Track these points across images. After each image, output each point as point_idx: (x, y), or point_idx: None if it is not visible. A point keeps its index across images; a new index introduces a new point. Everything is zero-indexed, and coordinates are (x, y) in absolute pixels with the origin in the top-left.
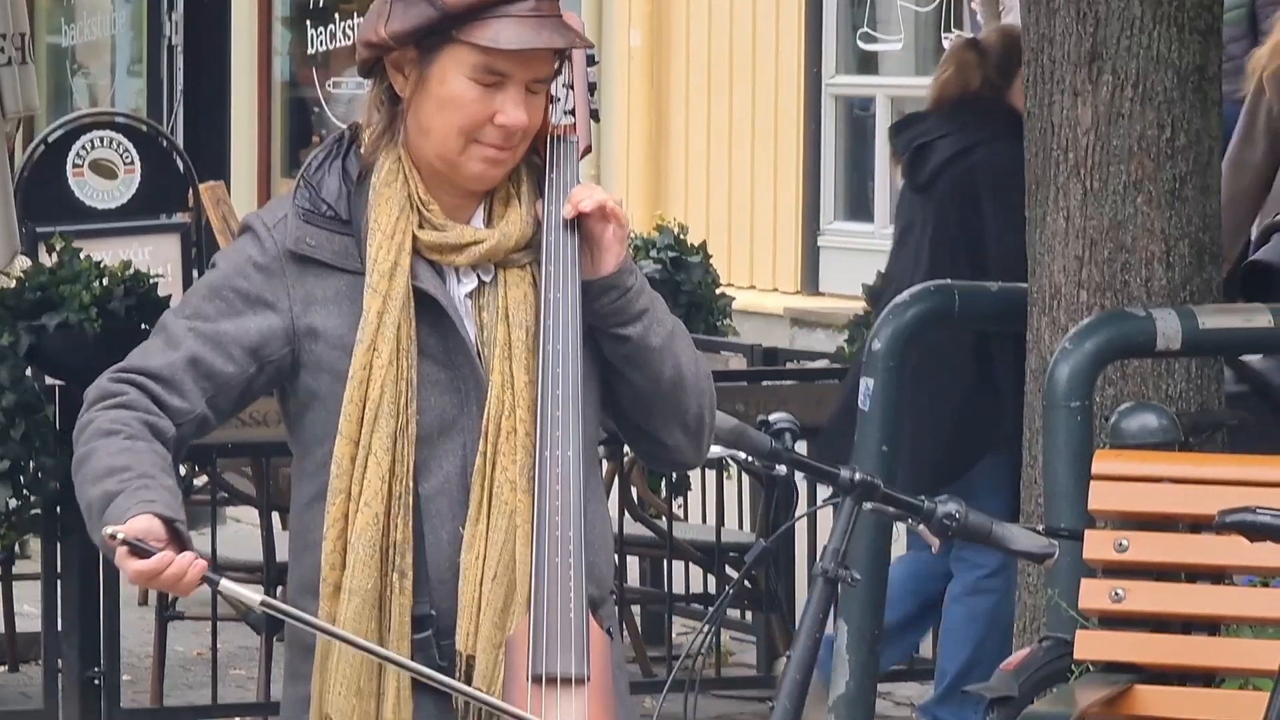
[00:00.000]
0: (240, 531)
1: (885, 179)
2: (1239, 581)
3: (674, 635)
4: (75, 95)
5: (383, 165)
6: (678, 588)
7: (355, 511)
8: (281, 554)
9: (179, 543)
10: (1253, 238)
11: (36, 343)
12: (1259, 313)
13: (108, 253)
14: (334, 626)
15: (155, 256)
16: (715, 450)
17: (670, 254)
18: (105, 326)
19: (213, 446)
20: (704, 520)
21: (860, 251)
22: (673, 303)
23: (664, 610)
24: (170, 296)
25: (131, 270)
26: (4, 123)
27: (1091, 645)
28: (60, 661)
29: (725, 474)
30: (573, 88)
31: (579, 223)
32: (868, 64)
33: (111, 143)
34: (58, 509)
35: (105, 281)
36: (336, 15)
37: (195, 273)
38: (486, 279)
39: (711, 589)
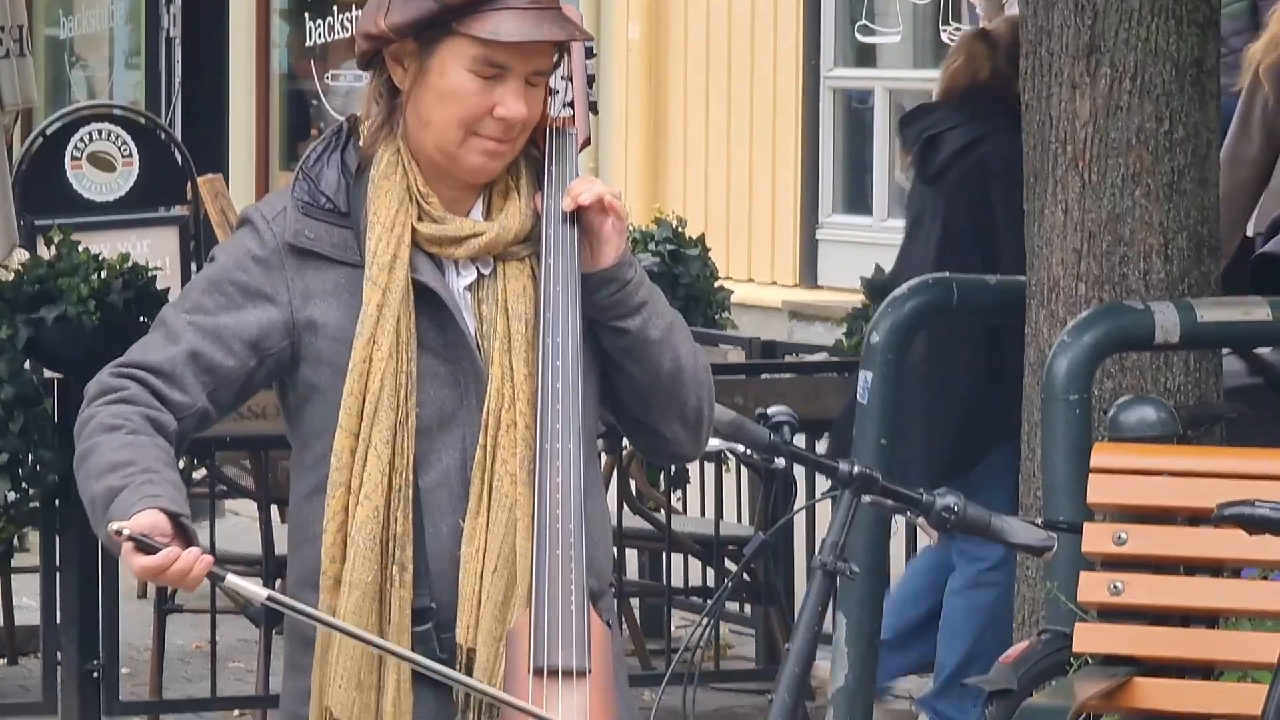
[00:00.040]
0: (239, 525)
1: (884, 172)
2: (1238, 574)
3: (673, 628)
4: (73, 88)
5: (381, 158)
6: (676, 580)
7: (355, 505)
8: (280, 547)
9: (184, 537)
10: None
11: (35, 335)
12: (1258, 305)
13: (106, 245)
14: (343, 622)
15: (154, 249)
16: (714, 443)
17: (668, 247)
18: (103, 319)
19: (211, 440)
20: (703, 513)
21: (859, 244)
22: (671, 296)
23: (663, 603)
24: (168, 289)
25: (130, 263)
26: (2, 115)
27: (1090, 638)
28: (59, 654)
29: (724, 467)
30: (571, 80)
31: (578, 215)
32: (866, 57)
33: (110, 135)
34: (56, 502)
35: (103, 274)
36: (334, 8)
37: (194, 265)
38: (486, 272)
39: (710, 582)
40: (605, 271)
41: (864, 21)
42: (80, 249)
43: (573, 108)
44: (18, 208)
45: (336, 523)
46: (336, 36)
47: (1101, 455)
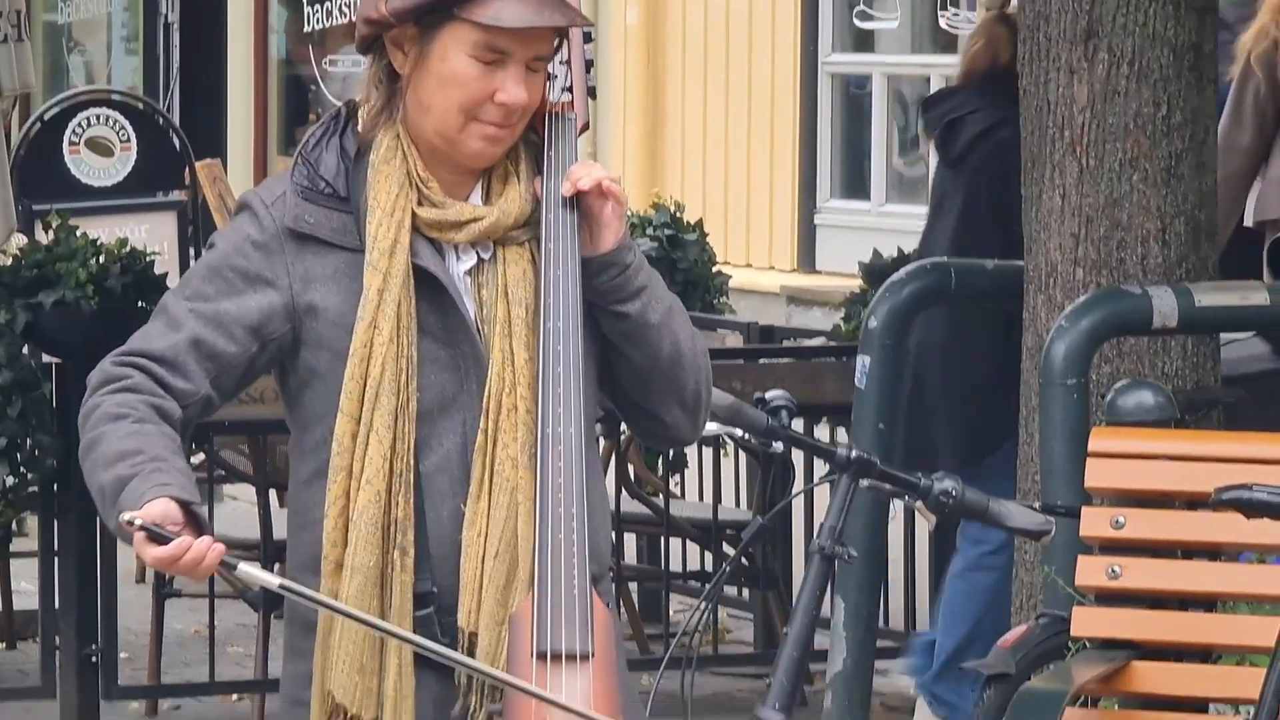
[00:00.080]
0: (237, 509)
1: (882, 157)
2: (1236, 558)
3: (671, 613)
4: (71, 73)
5: (381, 142)
6: (675, 565)
7: (357, 489)
8: (279, 531)
9: (196, 525)
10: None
11: (33, 320)
12: (1255, 290)
13: (104, 230)
14: (356, 610)
15: (152, 234)
16: (712, 428)
17: (667, 232)
18: (102, 304)
19: (209, 424)
20: (701, 498)
21: (857, 229)
22: (669, 281)
23: (661, 588)
24: (166, 274)
25: (128, 248)
26: (1, 100)
27: (1088, 622)
28: (58, 639)
29: (722, 452)
30: (570, 65)
31: (578, 200)
32: (864, 42)
33: (108, 120)
34: (55, 487)
35: (102, 259)
36: None
37: (192, 250)
38: (485, 256)
39: (709, 566)
40: (605, 256)
41: (862, 7)
42: (78, 234)
43: (572, 93)
44: (16, 193)
45: (338, 507)
46: (334, 22)
47: (1099, 440)
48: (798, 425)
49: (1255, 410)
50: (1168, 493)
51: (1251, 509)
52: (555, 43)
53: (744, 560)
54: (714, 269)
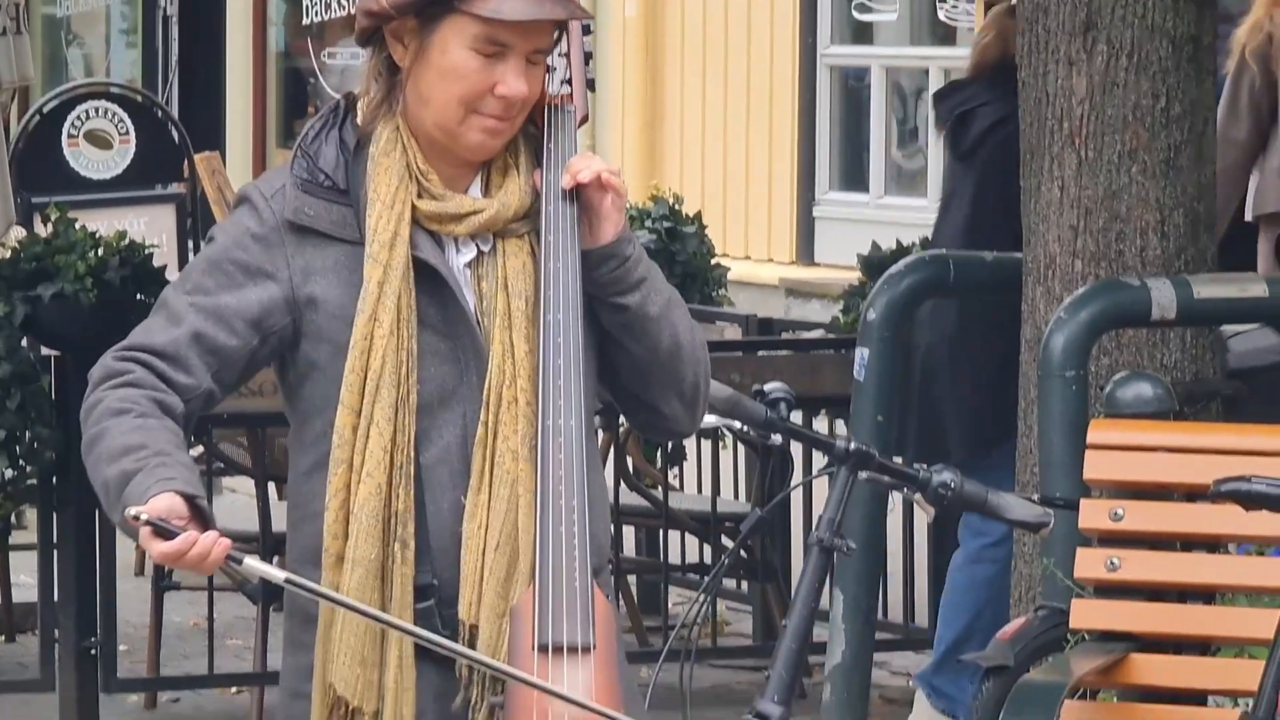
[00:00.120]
0: (236, 502)
1: (880, 149)
2: (1234, 550)
3: (670, 605)
4: (70, 65)
5: (381, 135)
6: (674, 558)
7: (357, 482)
8: (277, 524)
9: (201, 519)
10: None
11: (32, 313)
12: (1254, 282)
13: (103, 223)
14: (363, 604)
15: (151, 227)
16: (711, 420)
17: (665, 224)
18: (101, 297)
19: (208, 417)
20: (700, 490)
21: (855, 222)
22: (668, 273)
23: (660, 580)
24: (165, 267)
25: (127, 240)
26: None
27: (1087, 614)
28: (57, 631)
29: (721, 444)
30: (569, 57)
31: (577, 192)
32: (863, 34)
33: (106, 113)
34: (54, 479)
35: (101, 252)
36: None
37: (190, 243)
38: (485, 249)
39: (707, 559)
40: (605, 248)
41: None
42: (77, 227)
43: (571, 85)
44: (15, 185)
45: (339, 500)
46: (333, 14)
47: (1098, 431)
48: (796, 417)
49: (1265, 404)
50: (1166, 485)
51: (1250, 501)
52: (555, 35)
53: (743, 552)
54: (713, 261)
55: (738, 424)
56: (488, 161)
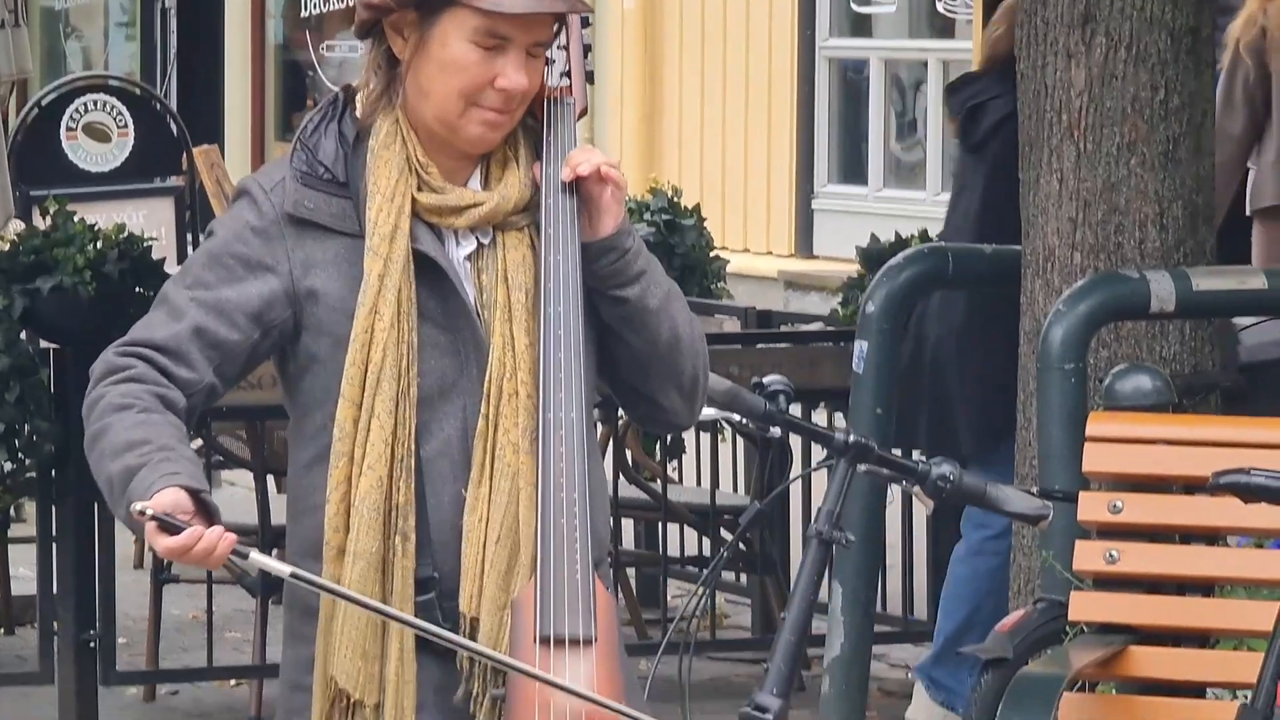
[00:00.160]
0: (235, 495)
1: (879, 142)
2: (1233, 543)
3: (669, 598)
4: (69, 58)
5: (380, 128)
6: (673, 550)
7: (358, 475)
8: (276, 517)
9: (206, 514)
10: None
11: (31, 306)
12: (1253, 275)
13: (102, 216)
14: (369, 599)
15: (149, 220)
16: (710, 412)
17: (664, 217)
18: (99, 290)
19: (207, 410)
20: (699, 483)
21: (854, 214)
22: (667, 266)
23: (659, 573)
24: (164, 260)
25: (125, 233)
26: None
27: (1086, 606)
28: (56, 624)
29: (720, 437)
30: (568, 50)
31: (577, 185)
32: (861, 26)
33: (105, 106)
34: (53, 472)
35: (99, 245)
36: None
37: (189, 236)
38: (485, 241)
39: (706, 551)
40: (604, 240)
41: None
42: (76, 219)
43: (570, 77)
44: (13, 178)
45: (340, 493)
46: (331, 7)
47: (1097, 424)
48: (795, 410)
49: (1276, 399)
50: (1165, 477)
51: (1249, 493)
52: (555, 28)
53: (742, 545)
54: (711, 254)
55: (737, 417)
56: (487, 154)
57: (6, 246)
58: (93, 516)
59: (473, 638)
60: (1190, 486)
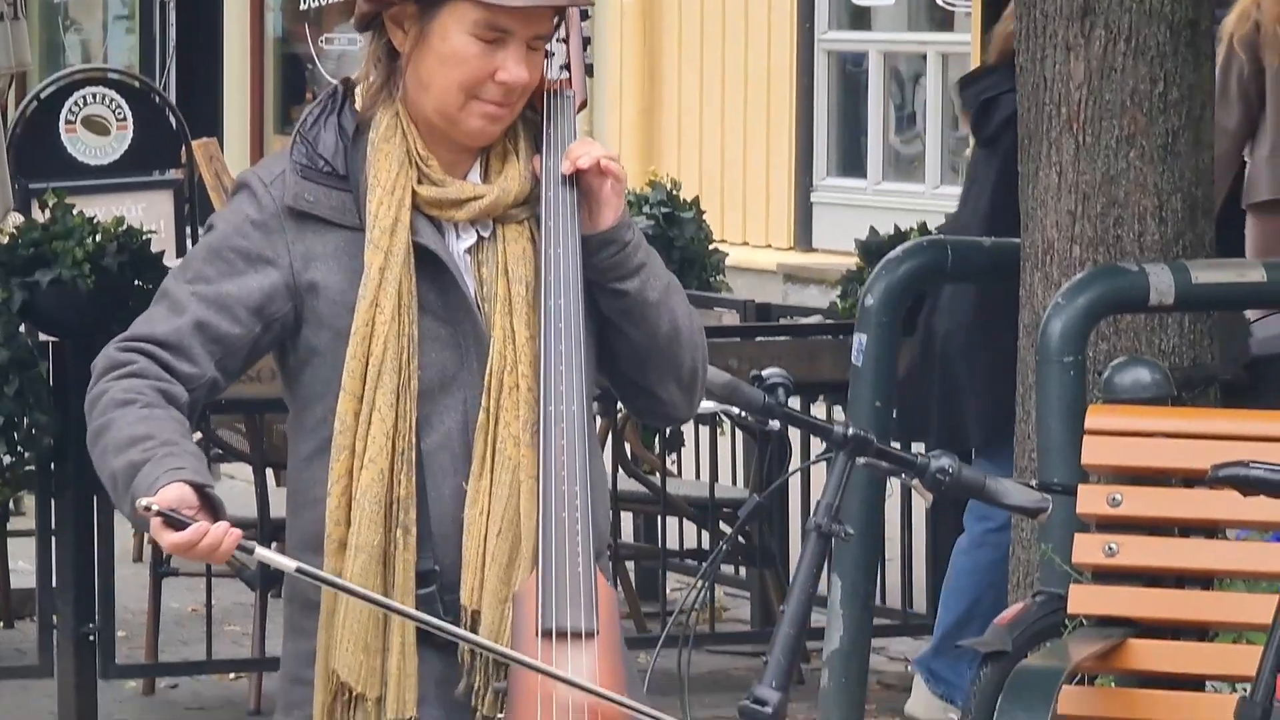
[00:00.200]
0: (234, 488)
1: (878, 135)
2: (1232, 536)
3: (668, 591)
4: (68, 51)
5: (380, 121)
6: (672, 543)
7: (359, 468)
8: (275, 510)
9: (211, 509)
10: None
11: (30, 299)
12: (1252, 268)
13: (101, 209)
14: (376, 594)
15: (148, 213)
16: (709, 405)
17: (663, 210)
18: (98, 283)
19: (206, 403)
20: (698, 476)
21: (853, 207)
22: (666, 259)
23: (658, 566)
24: (163, 253)
25: (125, 226)
26: None
27: (1085, 600)
28: (55, 618)
29: (719, 430)
30: (567, 42)
31: (577, 178)
32: (860, 19)
33: (104, 99)
34: (52, 465)
35: (98, 238)
36: None
37: (188, 229)
38: (485, 234)
39: (705, 545)
40: (605, 233)
41: None
42: (75, 212)
43: (569, 70)
44: (12, 171)
45: (340, 486)
46: (330, 0)
47: (1096, 417)
48: (794, 403)
49: None
50: (1165, 470)
51: (1248, 486)
52: (555, 21)
53: (741, 538)
54: (710, 247)
55: (736, 410)
56: (486, 147)
57: (5, 239)
58: (92, 510)
59: (474, 631)
60: (1189, 479)
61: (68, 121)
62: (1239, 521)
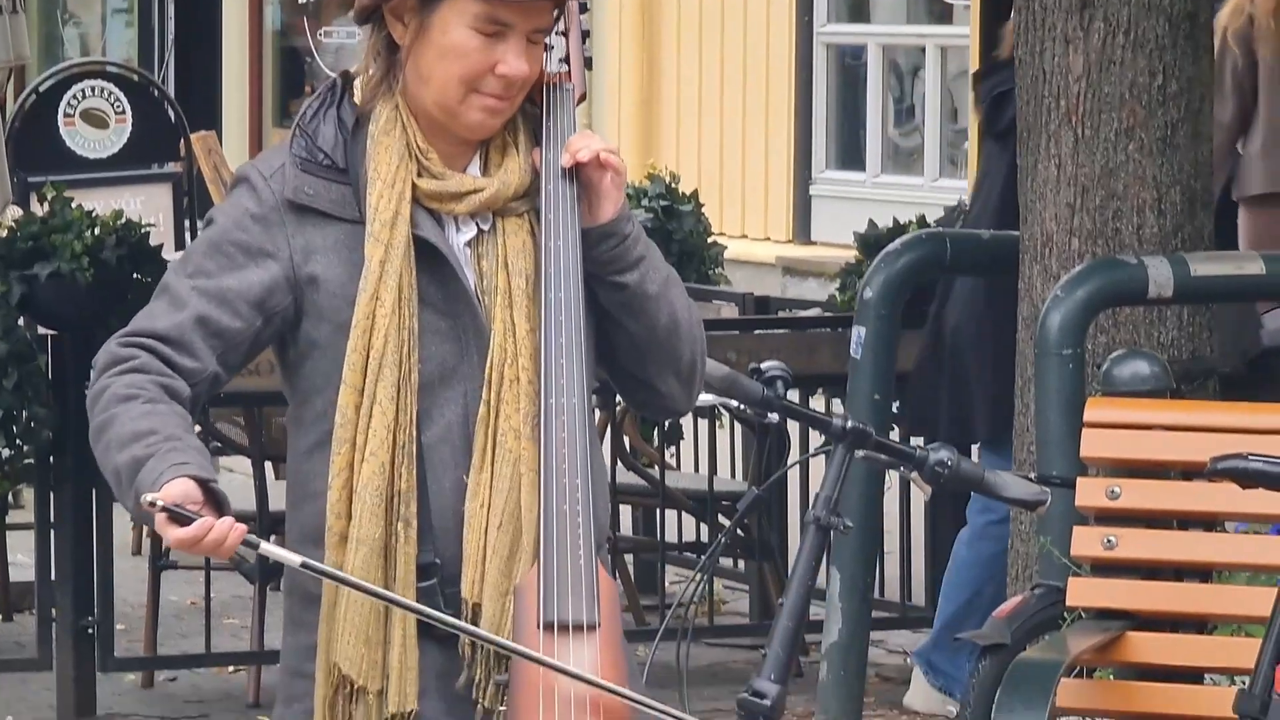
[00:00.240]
0: (233, 481)
1: (877, 127)
2: (1231, 528)
3: (667, 584)
4: (66, 44)
5: (380, 114)
6: (670, 536)
7: (361, 461)
8: (274, 503)
9: (215, 503)
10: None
11: (28, 292)
12: (1251, 260)
13: (99, 202)
14: (377, 587)
15: (147, 206)
16: (708, 398)
17: (662, 203)
18: (97, 276)
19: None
20: (697, 469)
21: (852, 200)
22: (665, 252)
23: (657, 559)
24: (161, 246)
25: (123, 220)
26: None
27: (1084, 592)
28: (54, 611)
29: (718, 423)
30: (566, 35)
31: (576, 171)
32: (859, 12)
33: (103, 92)
34: (51, 459)
35: (97, 231)
36: None
37: (187, 222)
38: (485, 227)
39: (704, 538)
40: (604, 226)
41: None
42: (73, 206)
43: (568, 63)
44: (11, 165)
45: (341, 479)
46: None
47: (1095, 410)
48: (793, 396)
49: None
50: (1163, 463)
51: (1247, 478)
52: (554, 14)
53: (739, 531)
54: (709, 240)
55: (735, 403)
56: (486, 140)
57: (4, 233)
58: (91, 503)
59: (475, 624)
60: (1188, 472)
61: (66, 115)
62: (1238, 514)
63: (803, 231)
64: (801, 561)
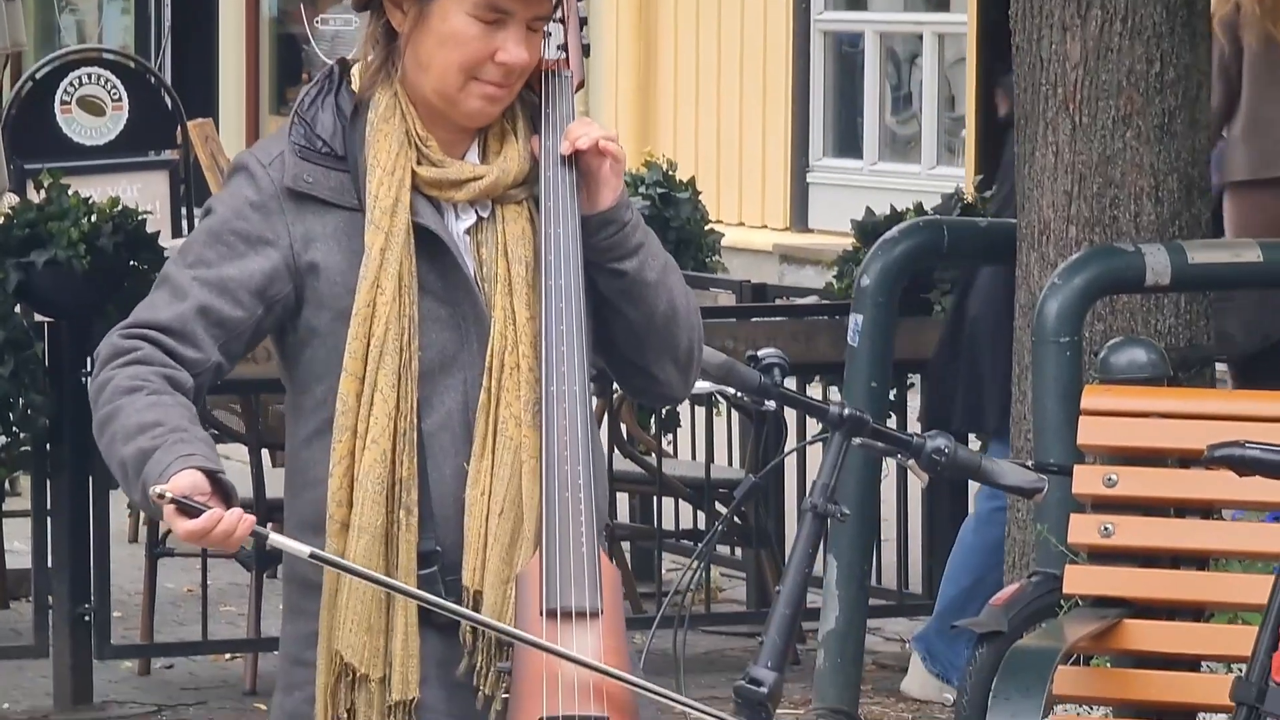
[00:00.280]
0: (230, 469)
1: (874, 115)
2: (1228, 516)
3: (664, 571)
4: (63, 31)
5: (379, 101)
6: (667, 524)
7: (362, 449)
8: (272, 490)
9: (223, 494)
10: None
11: (25, 280)
12: (1248, 248)
13: (96, 189)
14: (385, 576)
15: (144, 193)
16: (705, 386)
17: (659, 190)
18: (94, 263)
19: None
20: (694, 456)
21: (849, 188)
22: (662, 239)
23: (654, 546)
24: (158, 234)
25: (120, 207)
26: None
27: (1080, 580)
28: (51, 598)
29: (715, 410)
30: (564, 23)
31: (575, 158)
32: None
33: (99, 79)
34: (47, 446)
35: (94, 218)
36: None
37: (184, 209)
38: (484, 215)
39: (701, 525)
40: (603, 213)
41: None
42: (70, 193)
43: (566, 50)
44: (7, 152)
45: (343, 467)
46: None
47: (1092, 397)
48: (790, 383)
49: None
50: (1160, 450)
51: (1244, 466)
52: (554, 1)
53: (736, 519)
54: (706, 227)
55: (732, 390)
56: (484, 127)
57: (1, 220)
58: (87, 490)
59: (476, 611)
60: (1185, 460)
61: (63, 102)
62: (1235, 502)
63: (800, 219)
64: (798, 549)
